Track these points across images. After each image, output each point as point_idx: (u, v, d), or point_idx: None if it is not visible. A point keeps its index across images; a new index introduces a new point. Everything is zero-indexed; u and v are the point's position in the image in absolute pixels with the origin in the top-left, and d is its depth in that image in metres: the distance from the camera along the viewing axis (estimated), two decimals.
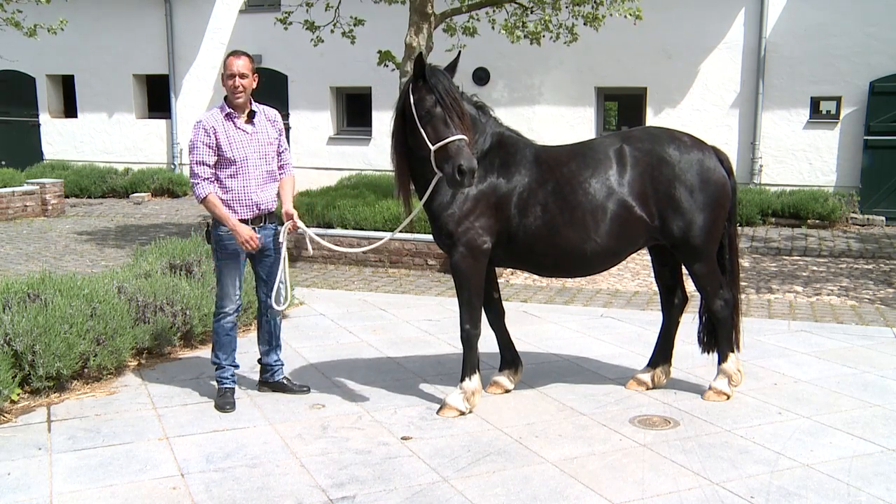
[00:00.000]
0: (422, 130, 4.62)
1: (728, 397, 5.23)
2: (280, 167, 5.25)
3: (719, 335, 5.29)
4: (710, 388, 5.30)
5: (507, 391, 5.39)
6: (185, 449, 4.48)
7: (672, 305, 5.48)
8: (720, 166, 5.09)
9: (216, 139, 4.93)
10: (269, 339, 5.38)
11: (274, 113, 5.29)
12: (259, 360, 5.46)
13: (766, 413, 5.02)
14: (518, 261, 5.22)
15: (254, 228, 5.04)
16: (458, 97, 4.70)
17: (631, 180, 4.93)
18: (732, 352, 5.28)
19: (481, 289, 5.04)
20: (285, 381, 5.43)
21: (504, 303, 5.53)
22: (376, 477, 4.13)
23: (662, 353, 5.49)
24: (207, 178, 4.95)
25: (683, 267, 5.31)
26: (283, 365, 5.48)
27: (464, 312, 4.98)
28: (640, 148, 5.00)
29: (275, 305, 5.16)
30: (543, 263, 5.17)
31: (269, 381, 5.42)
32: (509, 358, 5.44)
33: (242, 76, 4.95)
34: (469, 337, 4.99)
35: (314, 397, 5.31)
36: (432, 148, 4.58)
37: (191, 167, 5.00)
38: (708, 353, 5.49)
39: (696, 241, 4.98)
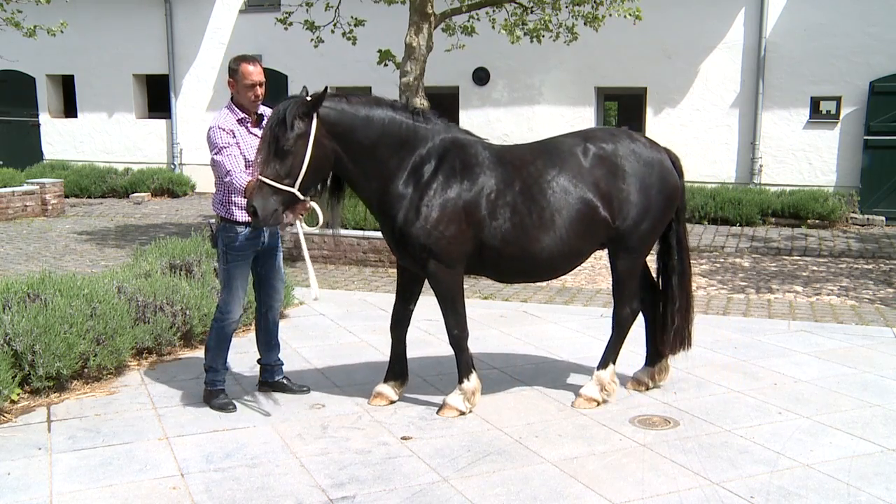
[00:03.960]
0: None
1: (598, 404, 5.13)
2: None
3: (610, 341, 5.29)
4: (579, 395, 5.20)
5: (392, 402, 5.20)
6: (185, 449, 4.48)
7: (649, 302, 5.46)
8: (673, 168, 5.16)
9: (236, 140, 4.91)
10: (268, 339, 5.38)
11: None
12: (259, 360, 5.46)
13: (766, 413, 5.02)
14: (485, 266, 5.04)
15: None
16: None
17: (596, 181, 4.91)
18: (614, 363, 5.26)
19: (462, 292, 5.00)
20: (285, 381, 5.43)
21: (504, 303, 5.53)
22: (376, 477, 4.13)
23: (657, 351, 5.48)
24: (243, 170, 4.83)
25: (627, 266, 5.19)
26: (282, 365, 5.48)
27: (449, 319, 4.97)
28: (603, 148, 5.00)
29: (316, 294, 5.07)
30: (512, 267, 5.03)
31: (269, 381, 5.43)
32: (398, 370, 5.27)
33: (262, 84, 4.95)
34: (459, 340, 4.99)
35: (314, 397, 5.32)
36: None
37: (224, 168, 4.83)
38: (676, 352, 5.41)
39: (640, 242, 5.03)
